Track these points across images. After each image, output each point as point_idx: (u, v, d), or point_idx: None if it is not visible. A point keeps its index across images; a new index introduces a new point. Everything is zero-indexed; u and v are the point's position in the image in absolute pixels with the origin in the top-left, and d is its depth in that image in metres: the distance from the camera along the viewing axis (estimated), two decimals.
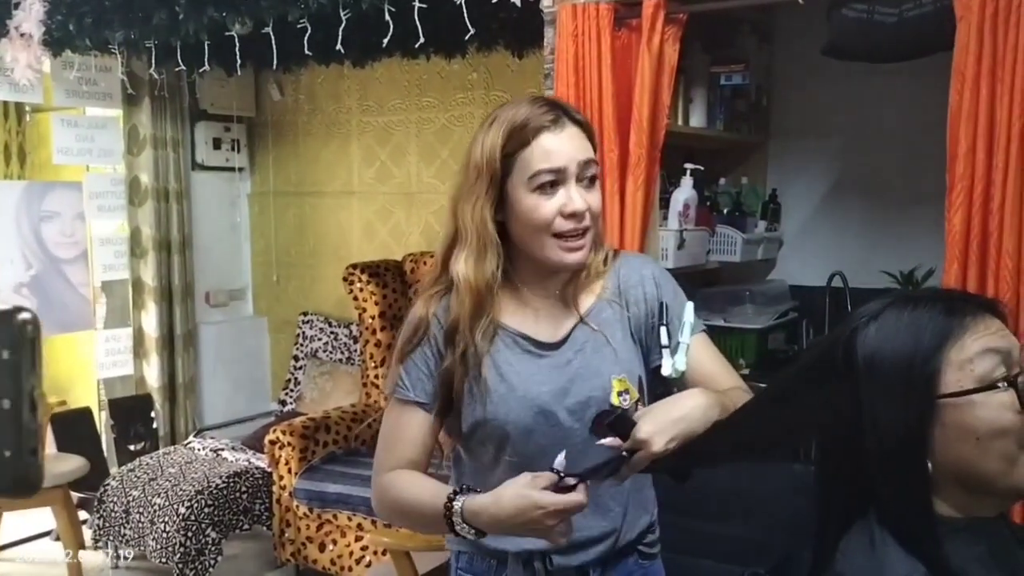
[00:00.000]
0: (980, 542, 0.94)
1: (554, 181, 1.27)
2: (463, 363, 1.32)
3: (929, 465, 0.92)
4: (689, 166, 2.59)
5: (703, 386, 1.28)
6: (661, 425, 1.15)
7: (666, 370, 1.31)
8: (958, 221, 1.82)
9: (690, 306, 1.33)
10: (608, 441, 1.17)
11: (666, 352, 1.31)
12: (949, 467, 0.92)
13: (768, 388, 1.11)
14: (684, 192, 2.57)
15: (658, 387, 1.36)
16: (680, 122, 2.61)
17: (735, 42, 2.86)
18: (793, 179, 3.06)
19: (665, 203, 2.55)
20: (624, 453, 1.16)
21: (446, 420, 1.38)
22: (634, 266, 1.40)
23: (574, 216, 1.27)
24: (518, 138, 1.27)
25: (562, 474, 1.15)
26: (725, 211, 2.88)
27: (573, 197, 1.26)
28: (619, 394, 1.32)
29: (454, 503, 1.22)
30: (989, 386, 0.90)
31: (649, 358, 1.37)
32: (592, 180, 1.30)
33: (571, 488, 1.15)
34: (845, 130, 2.93)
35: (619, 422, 1.18)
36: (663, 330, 1.33)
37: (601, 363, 1.33)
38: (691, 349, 1.31)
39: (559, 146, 1.27)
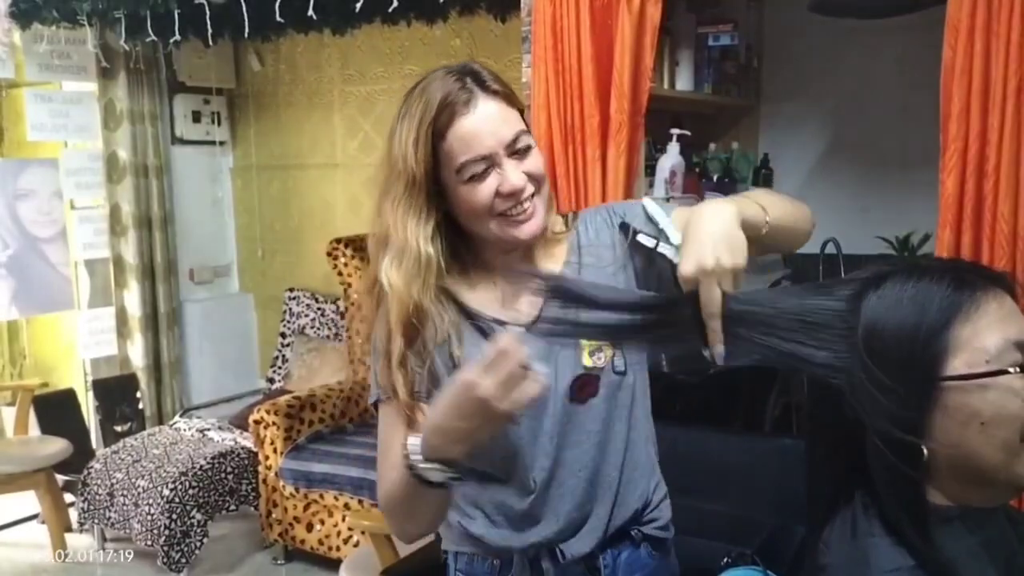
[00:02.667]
0: (974, 533, 0.88)
1: (485, 167, 1.17)
2: (432, 375, 1.22)
3: (924, 450, 0.85)
4: (675, 131, 2.49)
5: None
6: (692, 247, 1.01)
7: (670, 253, 1.18)
8: (951, 184, 1.73)
9: (649, 199, 1.26)
10: (644, 239, 1.12)
11: (664, 247, 1.20)
12: (947, 454, 0.85)
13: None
14: (670, 159, 2.47)
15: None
16: (666, 85, 2.51)
17: (723, 0, 2.75)
18: (786, 143, 2.96)
19: (651, 170, 2.46)
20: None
21: None
22: (589, 219, 1.32)
23: (512, 195, 1.18)
24: (431, 131, 1.17)
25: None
26: (715, 178, 2.79)
27: (508, 175, 1.17)
28: (591, 354, 1.24)
29: (407, 444, 1.10)
30: (1000, 371, 0.82)
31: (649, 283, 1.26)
32: (526, 149, 1.19)
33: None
34: (839, 91, 2.83)
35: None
36: (640, 237, 1.22)
37: None
38: (679, 220, 1.20)
39: (477, 130, 1.16)
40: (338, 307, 4.11)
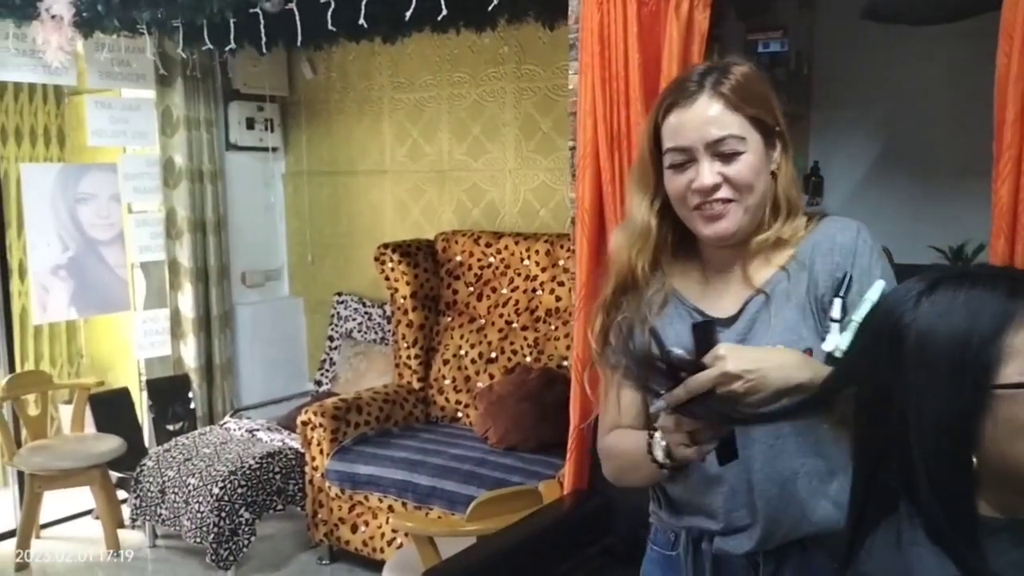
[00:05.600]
0: (1021, 545, 0.86)
1: (685, 159, 1.25)
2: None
3: (974, 460, 0.83)
4: None
5: None
6: (741, 352, 1.11)
7: (827, 345, 1.22)
8: (1005, 192, 1.70)
9: (879, 285, 1.21)
10: (678, 351, 1.13)
11: (835, 327, 1.22)
12: (996, 464, 0.83)
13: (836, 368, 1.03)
14: None
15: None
16: None
17: (773, 7, 2.74)
18: (836, 151, 2.93)
19: None
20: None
21: None
22: (830, 232, 1.29)
23: (701, 191, 1.25)
24: (658, 114, 1.28)
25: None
26: None
27: (701, 172, 1.24)
28: None
29: (655, 432, 1.24)
30: None
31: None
32: (732, 154, 1.24)
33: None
34: (891, 98, 2.80)
35: (706, 331, 1.14)
36: (836, 302, 1.23)
37: (763, 335, 1.27)
38: None
39: (684, 124, 1.25)
40: (385, 311, 4.16)
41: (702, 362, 1.11)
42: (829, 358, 1.22)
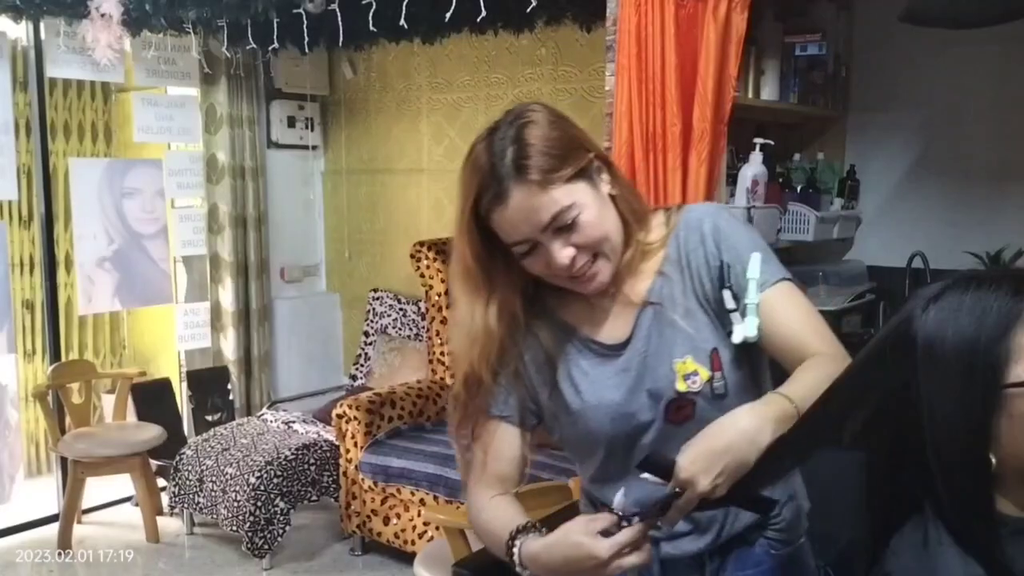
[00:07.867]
0: None
1: (529, 247, 1.20)
2: (538, 375, 1.32)
3: (992, 459, 0.84)
4: (758, 141, 2.49)
5: (783, 350, 1.20)
6: (704, 463, 1.05)
7: (736, 338, 1.21)
8: None
9: (756, 258, 1.21)
10: (652, 478, 1.10)
11: (735, 317, 1.21)
12: (1015, 462, 0.84)
13: (832, 388, 0.99)
14: (753, 168, 2.47)
15: (749, 356, 1.25)
16: (751, 95, 2.51)
17: (811, 9, 2.73)
18: (873, 154, 2.92)
19: (733, 179, 2.47)
20: (676, 490, 1.09)
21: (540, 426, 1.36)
22: (693, 226, 1.27)
23: (562, 270, 1.21)
24: (476, 213, 1.21)
25: (620, 514, 1.11)
26: (798, 188, 2.77)
27: (553, 255, 1.19)
28: (685, 378, 1.23)
29: (515, 542, 1.20)
30: None
31: (726, 327, 1.25)
32: (571, 223, 1.18)
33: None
34: (929, 102, 2.78)
35: (656, 462, 1.09)
36: (726, 293, 1.22)
37: (666, 347, 1.25)
38: (765, 308, 1.20)
39: (510, 221, 1.18)
40: (419, 308, 4.21)
41: (677, 491, 1.08)
42: (742, 349, 1.22)
